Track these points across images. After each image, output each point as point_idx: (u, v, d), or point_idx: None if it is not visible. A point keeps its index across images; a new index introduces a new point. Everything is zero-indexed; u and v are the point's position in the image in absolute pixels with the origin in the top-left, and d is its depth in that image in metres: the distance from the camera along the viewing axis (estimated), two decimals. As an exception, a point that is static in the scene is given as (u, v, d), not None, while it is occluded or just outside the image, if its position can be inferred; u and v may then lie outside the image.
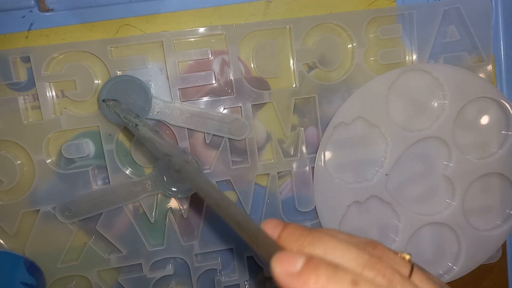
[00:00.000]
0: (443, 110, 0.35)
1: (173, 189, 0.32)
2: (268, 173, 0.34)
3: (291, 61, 0.34)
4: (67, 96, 0.31)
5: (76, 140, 0.32)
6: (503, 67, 0.37)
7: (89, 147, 0.32)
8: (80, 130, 0.32)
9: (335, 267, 0.15)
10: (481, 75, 0.36)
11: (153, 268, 0.34)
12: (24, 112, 0.31)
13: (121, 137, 0.33)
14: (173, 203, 0.34)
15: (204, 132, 0.33)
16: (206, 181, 0.21)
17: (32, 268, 0.31)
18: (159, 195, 0.34)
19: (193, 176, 0.22)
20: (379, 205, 0.35)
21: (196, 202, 0.34)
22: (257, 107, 0.34)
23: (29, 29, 0.31)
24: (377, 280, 0.15)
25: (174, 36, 0.31)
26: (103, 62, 0.31)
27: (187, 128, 0.32)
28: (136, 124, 0.26)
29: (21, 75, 0.31)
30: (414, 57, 0.35)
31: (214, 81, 0.33)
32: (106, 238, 0.33)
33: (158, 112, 0.31)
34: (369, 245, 0.18)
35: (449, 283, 0.37)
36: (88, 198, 0.32)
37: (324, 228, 0.27)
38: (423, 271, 0.18)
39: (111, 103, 0.28)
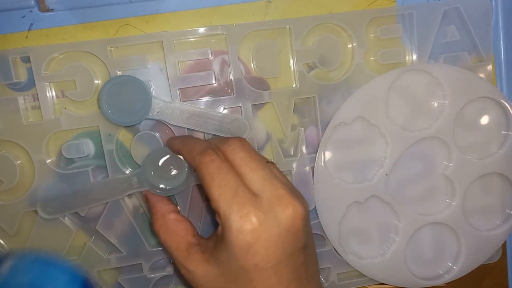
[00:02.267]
0: (443, 110, 0.35)
1: (160, 186, 0.31)
2: (268, 173, 0.34)
3: (291, 61, 0.34)
4: (67, 96, 0.31)
5: (76, 140, 0.32)
6: (503, 67, 0.37)
7: (89, 147, 0.32)
8: (80, 130, 0.32)
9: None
10: (481, 75, 0.36)
11: (153, 268, 0.34)
12: (24, 112, 0.31)
13: (121, 137, 0.33)
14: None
15: (204, 132, 0.33)
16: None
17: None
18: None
19: None
20: (379, 205, 0.35)
21: (196, 201, 0.34)
22: (257, 107, 0.34)
23: (29, 29, 0.31)
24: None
25: (174, 36, 0.31)
26: (103, 62, 0.31)
27: (187, 128, 0.32)
28: None
29: (21, 75, 0.31)
30: (414, 57, 0.35)
31: (214, 81, 0.33)
32: (106, 238, 0.33)
33: (158, 112, 0.31)
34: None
35: (449, 283, 0.37)
36: (72, 195, 0.31)
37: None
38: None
39: None
